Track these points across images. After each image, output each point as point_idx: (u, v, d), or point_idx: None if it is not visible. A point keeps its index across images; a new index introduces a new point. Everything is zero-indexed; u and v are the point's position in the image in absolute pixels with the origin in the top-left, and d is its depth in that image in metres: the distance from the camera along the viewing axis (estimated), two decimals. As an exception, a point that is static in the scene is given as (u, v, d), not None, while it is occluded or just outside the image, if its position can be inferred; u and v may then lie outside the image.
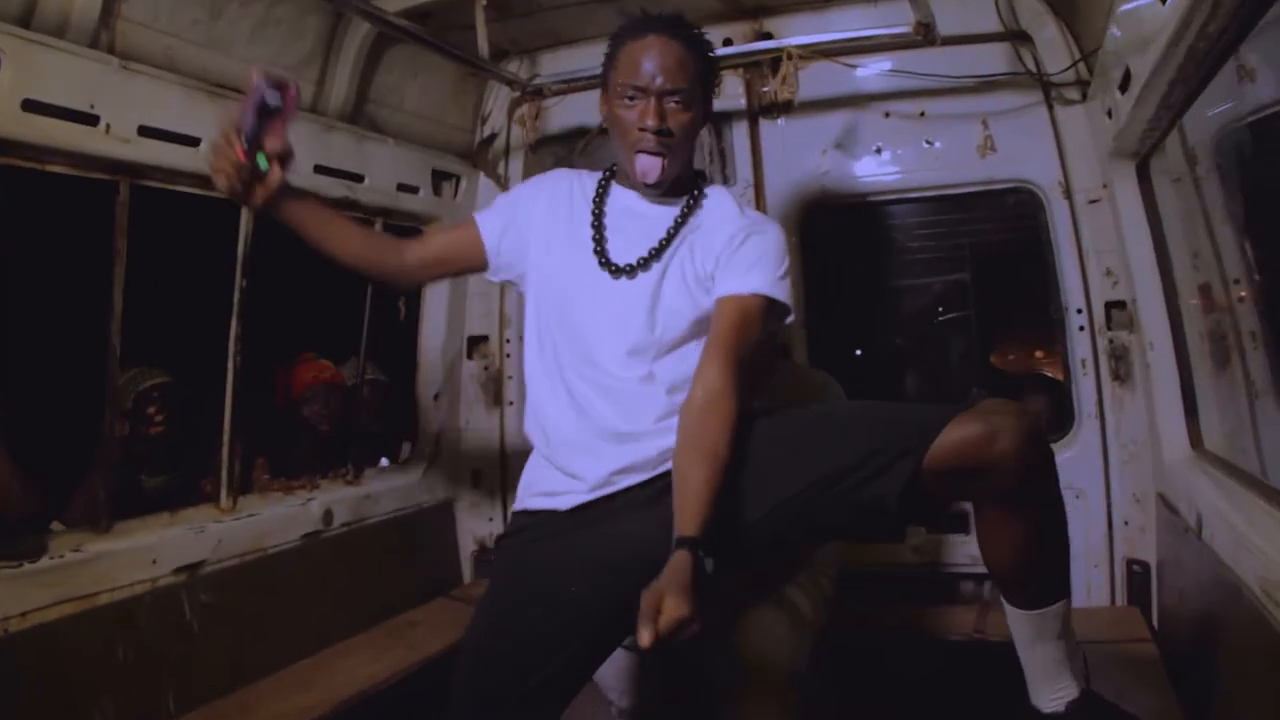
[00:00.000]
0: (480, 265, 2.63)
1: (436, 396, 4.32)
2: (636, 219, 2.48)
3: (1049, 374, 5.01)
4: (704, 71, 2.43)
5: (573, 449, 2.37)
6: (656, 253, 2.40)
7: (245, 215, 3.23)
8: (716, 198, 2.54)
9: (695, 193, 2.51)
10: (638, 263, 2.39)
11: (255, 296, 3.33)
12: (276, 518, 3.43)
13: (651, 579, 1.89)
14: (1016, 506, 2.09)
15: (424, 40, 3.45)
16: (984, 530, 2.22)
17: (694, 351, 2.34)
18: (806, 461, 2.21)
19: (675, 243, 2.42)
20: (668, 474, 2.24)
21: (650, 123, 2.32)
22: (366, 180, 3.71)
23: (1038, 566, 2.20)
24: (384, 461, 4.51)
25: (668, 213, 2.47)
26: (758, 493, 2.22)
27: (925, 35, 3.21)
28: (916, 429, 2.07)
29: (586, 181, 2.61)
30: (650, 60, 2.33)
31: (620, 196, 2.54)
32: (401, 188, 3.92)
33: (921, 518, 2.35)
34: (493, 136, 4.38)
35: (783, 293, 2.38)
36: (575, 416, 2.37)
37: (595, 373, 2.36)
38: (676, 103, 2.34)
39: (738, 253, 2.38)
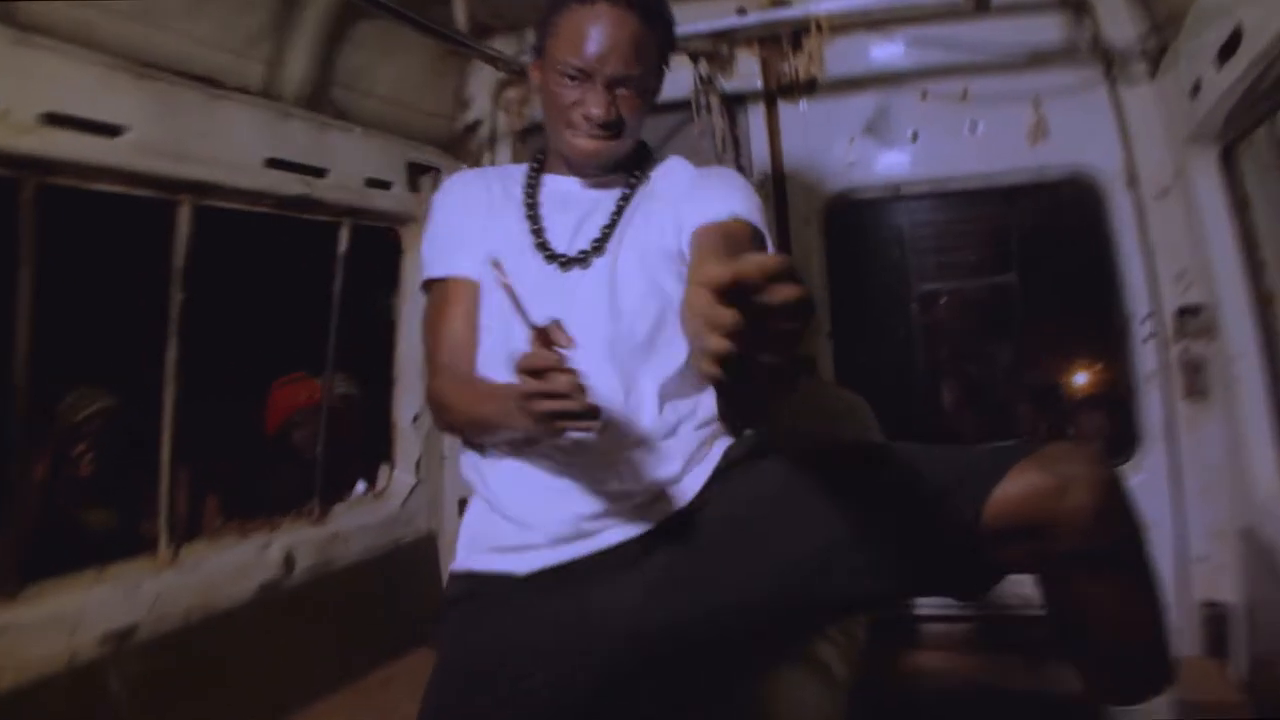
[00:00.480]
0: None
1: (416, 418, 3.85)
2: (576, 203, 2.23)
3: (1109, 389, 4.53)
4: (662, 48, 2.15)
5: (524, 490, 2.01)
6: (608, 231, 2.15)
7: (182, 217, 2.79)
8: (669, 164, 2.31)
9: (643, 164, 2.28)
10: (591, 247, 2.13)
11: (200, 311, 2.90)
12: (227, 567, 2.95)
13: (637, 662, 1.78)
14: (1095, 576, 1.78)
15: (396, 12, 3.00)
16: (1055, 606, 1.89)
17: (678, 347, 2.05)
18: (825, 516, 1.90)
19: (626, 215, 2.18)
20: (664, 523, 1.95)
21: (596, 112, 2.06)
22: (330, 175, 3.24)
23: (1125, 652, 1.85)
24: (360, 487, 4.05)
25: (613, 192, 2.23)
26: (756, 558, 1.93)
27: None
28: (968, 477, 1.79)
29: (508, 176, 2.33)
30: (599, 37, 2.02)
31: (555, 184, 2.28)
32: (371, 183, 3.45)
33: (973, 587, 1.92)
34: (476, 124, 3.92)
35: (764, 225, 2.10)
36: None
37: None
38: (628, 88, 2.07)
39: (700, 188, 2.16)
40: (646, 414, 2.01)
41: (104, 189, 2.56)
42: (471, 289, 2.20)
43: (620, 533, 1.98)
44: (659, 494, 1.99)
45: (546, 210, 2.22)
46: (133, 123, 2.52)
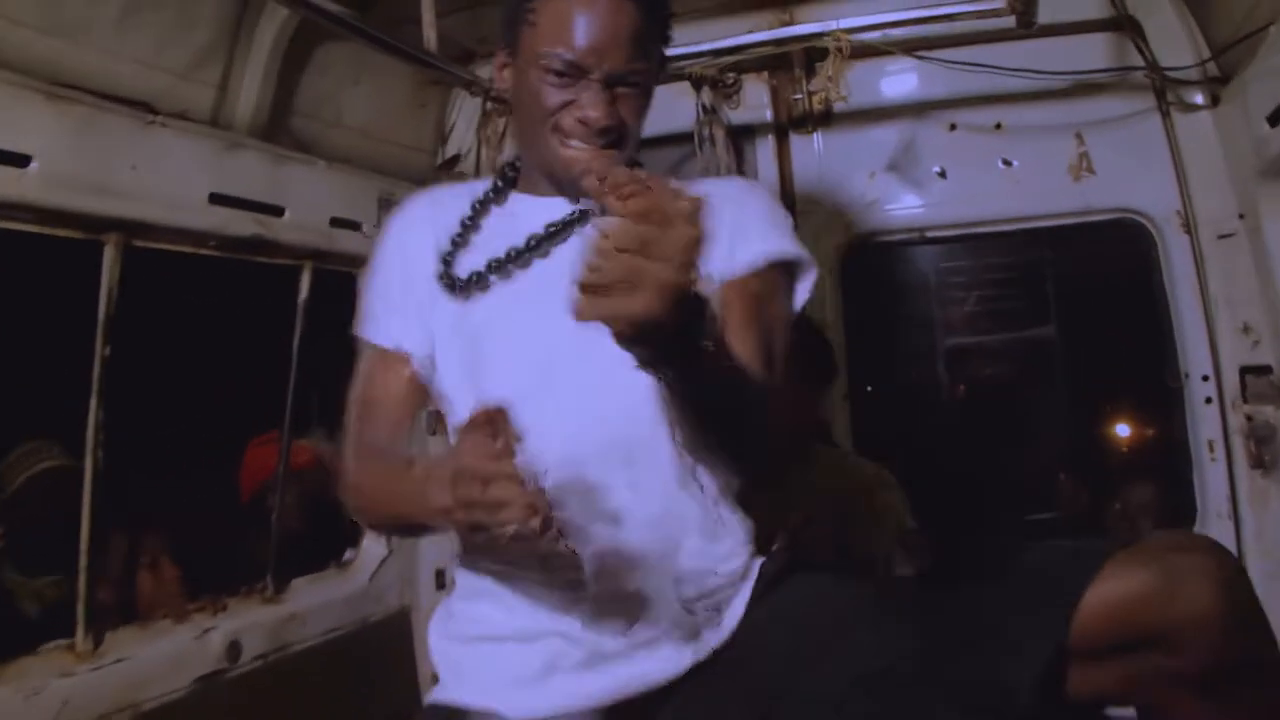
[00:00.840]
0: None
1: (388, 483, 3.46)
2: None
3: (1161, 458, 4.13)
4: (662, 42, 1.83)
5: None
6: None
7: (108, 261, 2.44)
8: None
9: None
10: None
11: (128, 366, 2.54)
12: (158, 659, 2.57)
13: None
14: (1218, 702, 1.41)
15: (358, 30, 2.65)
16: None
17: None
18: (868, 641, 1.60)
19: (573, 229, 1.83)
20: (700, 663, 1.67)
21: (594, 115, 1.68)
22: (288, 213, 2.90)
23: None
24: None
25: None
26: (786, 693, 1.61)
27: (1023, 13, 2.40)
28: (1050, 580, 1.50)
29: (462, 196, 1.98)
30: (594, 24, 1.66)
31: (520, 205, 1.91)
32: (337, 222, 3.10)
33: None
34: (456, 158, 3.59)
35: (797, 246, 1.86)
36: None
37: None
38: (629, 86, 1.72)
39: (735, 226, 1.78)
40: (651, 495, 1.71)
41: (9, 227, 2.23)
42: (404, 366, 1.87)
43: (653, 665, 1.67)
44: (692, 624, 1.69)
45: (496, 223, 1.90)
46: (44, 151, 2.19)
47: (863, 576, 1.74)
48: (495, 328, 1.77)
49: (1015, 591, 1.53)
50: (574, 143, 1.71)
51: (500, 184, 1.93)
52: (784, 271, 1.84)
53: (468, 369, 1.77)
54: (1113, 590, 1.42)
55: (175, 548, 3.28)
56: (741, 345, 1.56)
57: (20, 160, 2.16)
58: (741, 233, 1.78)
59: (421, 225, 1.93)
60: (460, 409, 1.74)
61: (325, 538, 3.66)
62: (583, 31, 1.65)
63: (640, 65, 1.71)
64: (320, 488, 3.75)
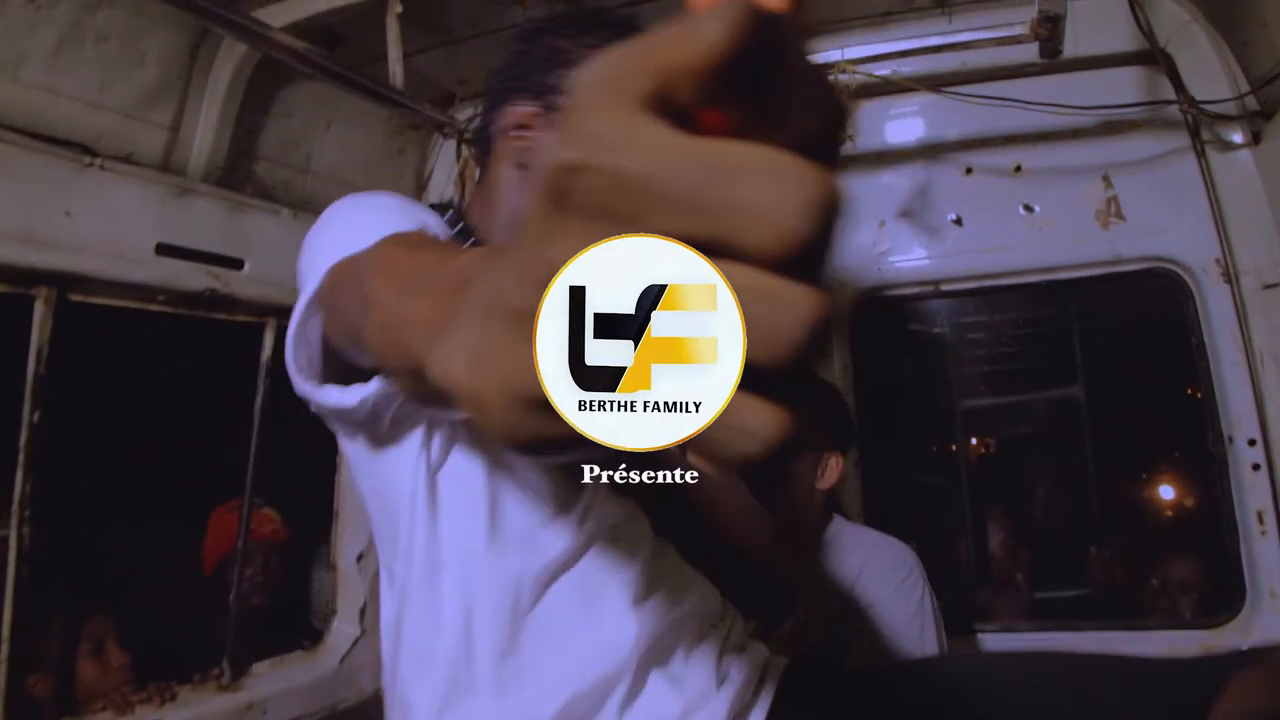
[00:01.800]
0: None
1: (360, 557, 3.23)
2: None
3: (1205, 530, 3.86)
4: None
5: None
6: None
7: (38, 317, 2.23)
8: None
9: None
10: None
11: (75, 429, 2.38)
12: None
13: None
14: None
15: (323, 68, 2.44)
16: None
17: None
18: None
19: None
20: None
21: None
22: (248, 266, 2.69)
23: None
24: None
25: None
26: None
27: (1048, 40, 2.17)
28: (1162, 700, 1.30)
29: None
30: None
31: None
32: (305, 276, 2.85)
33: None
34: (435, 207, 3.35)
35: None
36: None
37: None
38: None
39: None
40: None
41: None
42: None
43: None
44: None
45: None
46: (-39, 197, 1.98)
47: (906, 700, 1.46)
48: None
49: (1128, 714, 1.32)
50: None
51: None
52: None
53: None
54: (1245, 707, 1.23)
55: (125, 630, 3.02)
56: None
57: (-67, 208, 1.96)
58: None
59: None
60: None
61: (291, 616, 3.43)
62: None
63: None
64: (285, 561, 3.54)
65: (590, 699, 1.37)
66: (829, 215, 0.41)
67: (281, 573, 3.49)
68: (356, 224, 1.26)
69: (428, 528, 1.42)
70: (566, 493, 1.44)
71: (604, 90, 0.42)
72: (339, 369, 1.22)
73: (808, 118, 0.43)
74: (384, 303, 0.87)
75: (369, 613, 3.23)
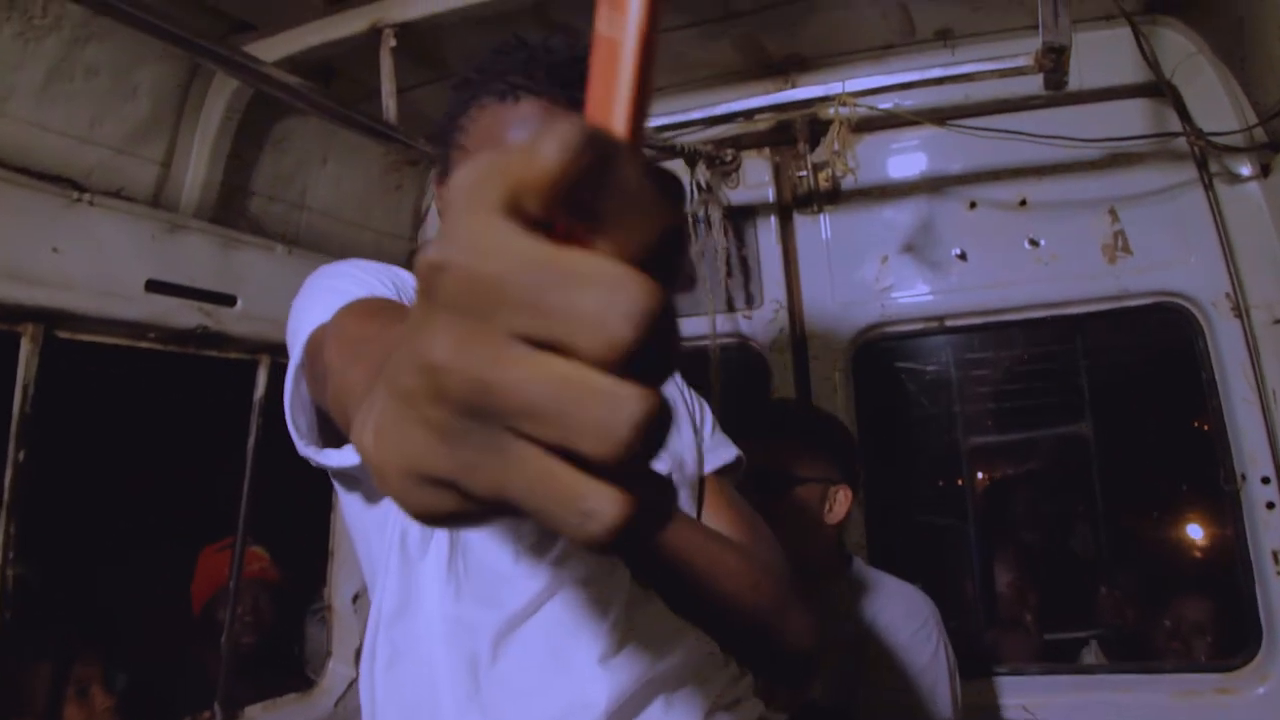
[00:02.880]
0: None
1: (355, 598, 3.19)
2: None
3: (1218, 570, 3.78)
4: None
5: None
6: None
7: (24, 354, 2.20)
8: None
9: None
10: None
11: (52, 472, 2.28)
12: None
13: None
14: None
15: (316, 103, 2.40)
16: None
17: None
18: None
19: None
20: None
21: None
22: (240, 303, 2.65)
23: None
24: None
25: None
26: None
27: (1053, 72, 2.13)
28: None
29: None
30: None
31: None
32: (299, 314, 2.80)
33: None
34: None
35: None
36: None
37: None
38: None
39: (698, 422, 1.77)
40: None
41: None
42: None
43: None
44: None
45: None
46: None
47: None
48: None
49: None
50: None
51: None
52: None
53: None
54: None
55: (112, 672, 2.97)
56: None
57: (-88, 241, 1.92)
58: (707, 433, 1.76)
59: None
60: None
61: (281, 656, 3.38)
62: None
63: None
64: (275, 600, 3.48)
65: None
66: (657, 324, 0.43)
67: (271, 611, 3.42)
68: (329, 291, 1.33)
69: (400, 577, 1.42)
70: (536, 545, 1.40)
71: (468, 195, 0.46)
72: (332, 427, 1.30)
73: (647, 229, 0.45)
74: (335, 370, 0.97)
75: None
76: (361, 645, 2.86)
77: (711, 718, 1.41)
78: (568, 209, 0.45)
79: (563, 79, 1.44)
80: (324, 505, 3.23)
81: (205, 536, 3.68)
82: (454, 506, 0.49)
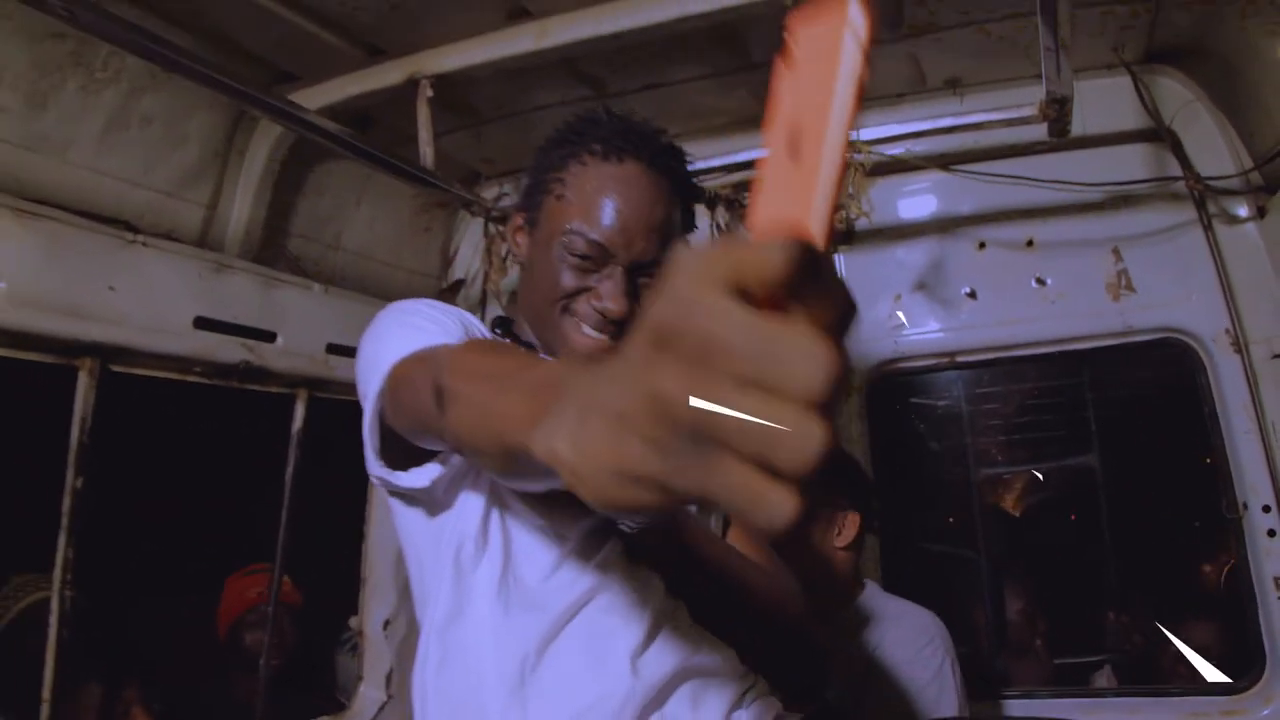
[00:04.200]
0: None
1: (387, 624, 3.26)
2: None
3: (1223, 596, 3.83)
4: (689, 228, 1.75)
5: None
6: None
7: (82, 387, 2.29)
8: None
9: None
10: None
11: (112, 501, 2.39)
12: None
13: None
14: None
15: (355, 148, 2.52)
16: None
17: None
18: None
19: None
20: None
21: (612, 307, 1.57)
22: (280, 339, 2.74)
23: None
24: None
25: None
26: None
27: (1056, 121, 2.24)
28: None
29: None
30: (625, 207, 1.58)
31: None
32: (334, 349, 2.93)
33: None
34: (460, 283, 3.43)
35: None
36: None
37: None
38: (651, 277, 1.61)
39: None
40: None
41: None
42: None
43: None
44: None
45: None
46: (10, 271, 2.06)
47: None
48: None
49: None
50: (586, 329, 1.60)
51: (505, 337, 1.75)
52: None
53: None
54: None
55: (151, 694, 3.05)
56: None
57: (-13, 282, 2.02)
58: None
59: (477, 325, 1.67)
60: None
61: (305, 676, 3.45)
62: (613, 212, 1.57)
63: (665, 256, 1.60)
64: (297, 623, 3.55)
65: None
66: (839, 381, 0.55)
67: (294, 634, 3.49)
68: (409, 328, 1.48)
69: (453, 586, 1.53)
70: (579, 552, 1.53)
71: (697, 272, 0.57)
72: (399, 451, 1.43)
73: (830, 309, 0.58)
74: (470, 398, 1.07)
75: (395, 677, 3.26)
76: (393, 669, 2.97)
77: (734, 714, 1.52)
78: (781, 291, 0.57)
79: (653, 150, 1.60)
80: (352, 536, 3.32)
81: (232, 563, 3.76)
82: (654, 500, 0.62)
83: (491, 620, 1.49)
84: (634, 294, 1.58)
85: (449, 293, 3.41)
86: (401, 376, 1.37)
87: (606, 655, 1.48)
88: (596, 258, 1.57)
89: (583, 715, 1.44)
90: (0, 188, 2.08)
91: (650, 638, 1.51)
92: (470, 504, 1.54)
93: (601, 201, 1.57)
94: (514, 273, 3.13)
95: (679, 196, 1.66)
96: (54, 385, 2.33)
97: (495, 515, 1.54)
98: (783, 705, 1.66)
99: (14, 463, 3.42)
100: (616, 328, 1.58)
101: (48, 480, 2.50)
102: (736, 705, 1.55)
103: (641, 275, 1.59)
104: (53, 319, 2.16)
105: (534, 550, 1.52)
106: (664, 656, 1.50)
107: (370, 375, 1.45)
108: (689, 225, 1.74)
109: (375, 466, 1.50)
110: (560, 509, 1.53)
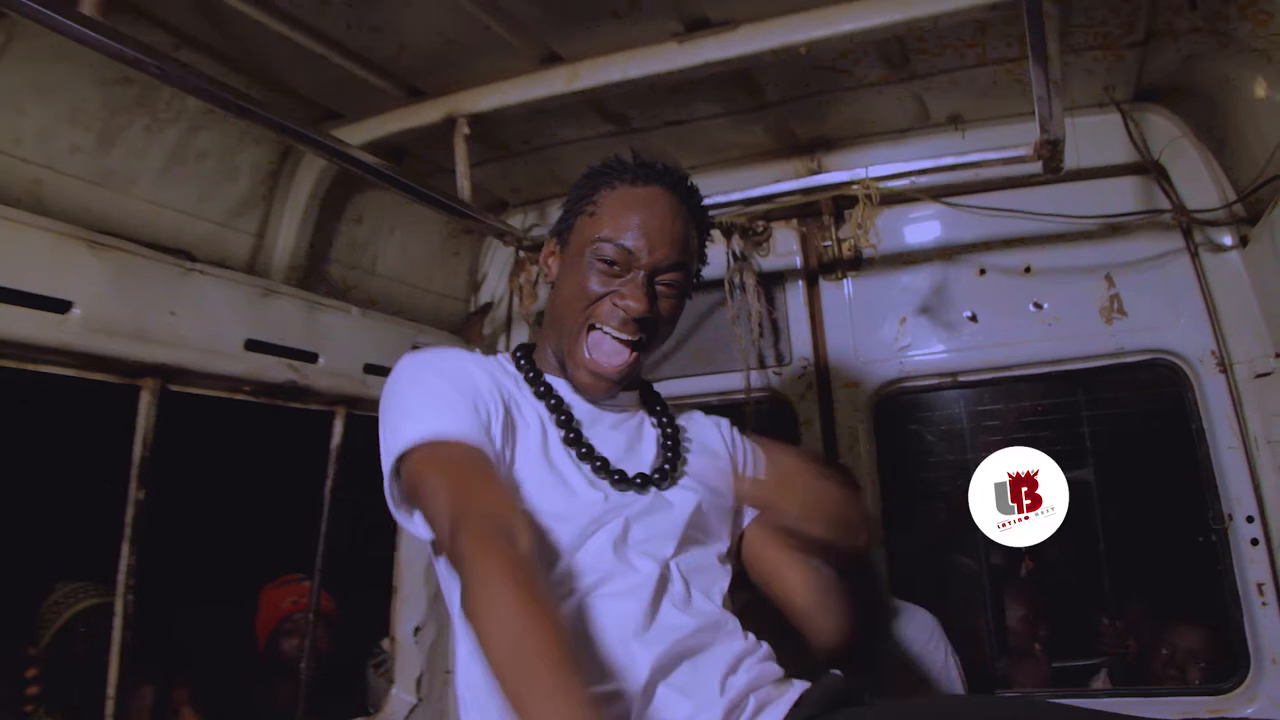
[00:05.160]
0: None
1: (417, 630, 3.41)
2: (608, 423, 1.95)
3: (1210, 602, 3.94)
4: (702, 249, 2.00)
5: None
6: (671, 463, 1.94)
7: (144, 405, 2.45)
8: (694, 416, 2.17)
9: (651, 399, 2.10)
10: (654, 474, 1.89)
11: (171, 511, 2.55)
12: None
13: None
14: None
15: (394, 181, 2.67)
16: None
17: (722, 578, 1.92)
18: None
19: (680, 452, 1.99)
20: None
21: (634, 304, 1.80)
22: (321, 360, 2.90)
23: None
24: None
25: (634, 419, 2.01)
26: None
27: (1050, 160, 2.40)
28: None
29: (504, 372, 1.96)
30: (649, 220, 1.83)
31: (562, 392, 1.95)
32: (371, 369, 3.09)
33: None
34: (489, 305, 3.59)
35: None
36: None
37: None
38: (668, 285, 1.87)
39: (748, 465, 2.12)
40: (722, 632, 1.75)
41: (48, 370, 2.24)
42: (494, 469, 1.71)
43: None
44: None
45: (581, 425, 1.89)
46: (84, 298, 2.21)
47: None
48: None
49: None
50: (608, 336, 1.82)
51: (531, 368, 1.97)
52: None
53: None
54: None
55: (199, 696, 3.20)
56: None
57: (61, 306, 2.18)
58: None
59: (483, 368, 1.88)
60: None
61: (338, 681, 3.56)
62: (639, 223, 1.80)
63: (682, 264, 1.85)
64: (330, 630, 3.66)
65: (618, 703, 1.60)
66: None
67: (328, 641, 3.60)
68: (427, 400, 1.75)
69: None
70: (582, 542, 1.73)
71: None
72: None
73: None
74: (453, 509, 1.57)
75: (425, 681, 3.40)
76: (423, 673, 3.11)
77: (732, 675, 1.68)
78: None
79: (674, 178, 1.88)
80: (384, 546, 3.44)
81: (270, 572, 3.89)
82: None
83: None
84: (653, 297, 1.80)
85: (477, 315, 3.57)
86: (419, 474, 1.67)
87: (608, 638, 1.64)
88: (622, 263, 1.80)
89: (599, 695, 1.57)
90: (75, 220, 2.23)
91: (649, 619, 1.67)
92: None
93: (628, 215, 1.81)
94: (542, 297, 3.31)
95: (695, 220, 1.91)
96: (96, 402, 2.51)
97: None
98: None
99: (58, 476, 3.58)
100: (636, 325, 1.80)
101: (91, 492, 2.65)
102: (731, 671, 1.68)
103: (661, 281, 1.82)
104: (121, 342, 2.32)
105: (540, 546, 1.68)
106: (664, 635, 1.66)
107: (388, 440, 1.74)
108: (702, 256, 1.97)
109: (391, 506, 1.77)
110: (564, 503, 1.74)
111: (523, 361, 1.98)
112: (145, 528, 2.46)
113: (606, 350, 1.83)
